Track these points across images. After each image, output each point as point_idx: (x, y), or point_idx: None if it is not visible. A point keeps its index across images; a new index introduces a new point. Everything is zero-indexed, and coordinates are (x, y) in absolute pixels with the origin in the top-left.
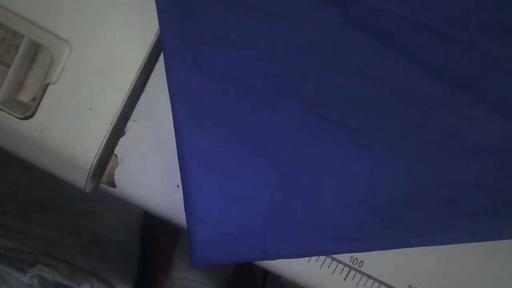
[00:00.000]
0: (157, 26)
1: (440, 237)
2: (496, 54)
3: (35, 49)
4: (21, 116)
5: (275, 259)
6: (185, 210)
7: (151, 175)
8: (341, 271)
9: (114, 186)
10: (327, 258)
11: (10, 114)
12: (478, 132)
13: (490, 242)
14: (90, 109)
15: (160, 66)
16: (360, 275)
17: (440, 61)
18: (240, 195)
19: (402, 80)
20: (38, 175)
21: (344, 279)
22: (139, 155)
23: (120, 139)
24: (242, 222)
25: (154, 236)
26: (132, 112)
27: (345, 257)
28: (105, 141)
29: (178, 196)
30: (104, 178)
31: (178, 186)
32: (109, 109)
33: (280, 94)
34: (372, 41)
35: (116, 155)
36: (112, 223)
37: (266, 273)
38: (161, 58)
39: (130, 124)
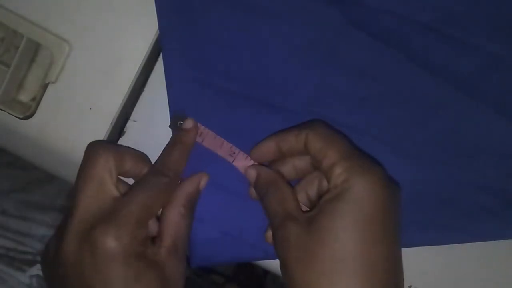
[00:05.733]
0: (157, 26)
1: (440, 237)
2: (496, 54)
3: (35, 49)
4: (21, 116)
5: (274, 259)
6: None
7: None
8: None
9: None
10: None
11: (10, 114)
12: (478, 132)
13: (490, 242)
14: (90, 109)
15: (160, 66)
16: None
17: (440, 61)
18: (239, 194)
19: (402, 80)
20: (38, 175)
21: None
22: None
23: (120, 138)
24: (242, 222)
25: None
26: (132, 112)
27: None
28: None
29: None
30: None
31: None
32: (109, 109)
33: (280, 93)
34: (372, 41)
35: None
36: None
37: (266, 273)
38: (161, 58)
39: (130, 124)
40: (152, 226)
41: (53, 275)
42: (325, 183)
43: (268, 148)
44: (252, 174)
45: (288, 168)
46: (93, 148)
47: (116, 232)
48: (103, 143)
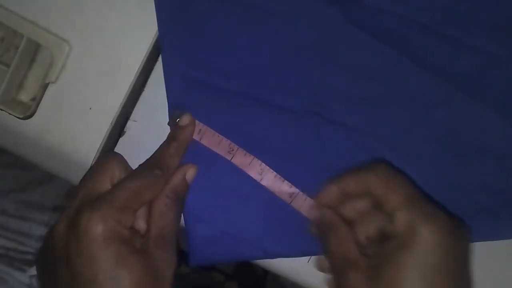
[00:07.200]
0: (157, 26)
1: None
2: (496, 54)
3: (35, 49)
4: (21, 116)
5: (274, 258)
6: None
7: None
8: None
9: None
10: None
11: (10, 114)
12: (478, 132)
13: (490, 242)
14: (90, 108)
15: (160, 66)
16: None
17: (440, 61)
18: (238, 193)
19: (402, 80)
20: (38, 175)
21: None
22: (139, 155)
23: (120, 138)
24: (241, 221)
25: None
26: (132, 112)
27: None
28: (105, 140)
29: None
30: None
31: None
32: (109, 109)
33: (280, 93)
34: (372, 41)
35: None
36: None
37: (266, 273)
38: (161, 58)
39: (130, 123)
40: (142, 224)
41: (44, 266)
42: (387, 225)
43: (330, 194)
44: (314, 214)
45: (348, 209)
46: (106, 155)
47: (99, 214)
48: (118, 154)
